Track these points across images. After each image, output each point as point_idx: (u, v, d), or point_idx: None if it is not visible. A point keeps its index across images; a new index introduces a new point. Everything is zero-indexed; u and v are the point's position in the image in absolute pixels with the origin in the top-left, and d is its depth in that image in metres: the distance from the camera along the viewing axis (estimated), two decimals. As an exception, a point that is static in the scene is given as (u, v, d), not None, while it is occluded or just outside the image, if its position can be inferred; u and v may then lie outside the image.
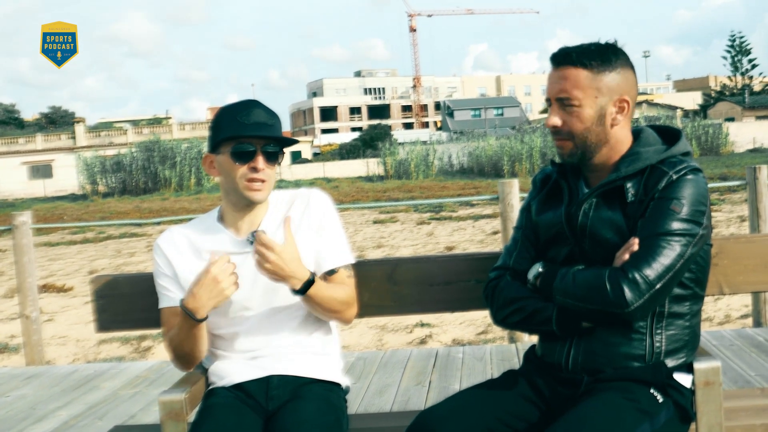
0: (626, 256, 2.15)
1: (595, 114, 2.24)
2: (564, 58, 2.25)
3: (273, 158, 2.42)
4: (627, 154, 2.28)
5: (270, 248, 2.26)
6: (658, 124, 2.43)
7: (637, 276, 2.09)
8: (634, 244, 2.15)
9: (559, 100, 2.26)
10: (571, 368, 2.26)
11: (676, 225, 2.13)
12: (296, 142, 2.51)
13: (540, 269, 2.31)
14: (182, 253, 2.49)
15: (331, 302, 2.42)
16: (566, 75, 2.24)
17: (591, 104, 2.23)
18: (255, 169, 2.38)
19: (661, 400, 2.18)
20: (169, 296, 2.48)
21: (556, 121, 2.27)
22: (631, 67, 2.29)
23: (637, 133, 2.34)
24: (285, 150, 2.47)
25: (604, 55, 2.23)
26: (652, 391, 2.18)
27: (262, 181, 2.40)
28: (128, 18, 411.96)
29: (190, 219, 2.74)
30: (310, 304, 2.40)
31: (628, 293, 2.09)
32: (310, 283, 2.32)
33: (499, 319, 2.40)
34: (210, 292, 2.27)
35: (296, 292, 2.33)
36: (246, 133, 2.36)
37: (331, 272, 2.49)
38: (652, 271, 2.10)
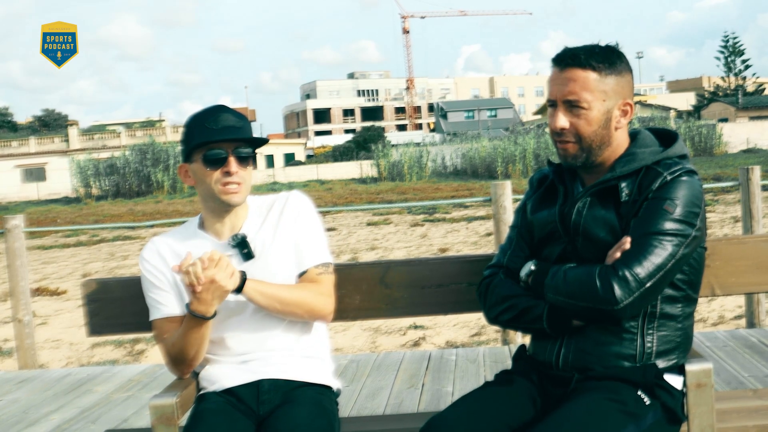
0: (618, 255, 2.15)
1: (602, 117, 2.23)
2: (572, 60, 2.22)
3: (245, 160, 2.43)
4: (623, 155, 2.28)
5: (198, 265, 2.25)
6: (655, 126, 2.43)
7: (627, 274, 2.10)
8: (626, 242, 2.15)
9: (567, 102, 2.23)
10: (561, 366, 2.26)
11: (668, 225, 2.13)
12: (266, 141, 2.52)
13: (532, 267, 2.32)
14: (167, 262, 2.49)
15: (271, 302, 2.39)
16: (574, 77, 2.21)
17: (599, 107, 2.22)
18: (228, 173, 2.40)
19: (648, 402, 2.17)
20: (160, 308, 2.48)
21: (563, 123, 2.24)
22: (631, 71, 2.29)
23: (634, 134, 2.34)
24: (257, 150, 2.48)
25: (609, 58, 2.23)
26: (639, 392, 2.17)
27: (238, 183, 2.41)
28: (119, 21, 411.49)
29: (183, 222, 2.75)
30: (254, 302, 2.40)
31: (617, 290, 2.09)
32: (244, 279, 2.34)
33: (492, 317, 2.40)
34: (213, 293, 2.28)
35: (235, 291, 2.34)
36: (215, 137, 2.37)
37: (302, 273, 2.50)
38: (642, 270, 2.10)
